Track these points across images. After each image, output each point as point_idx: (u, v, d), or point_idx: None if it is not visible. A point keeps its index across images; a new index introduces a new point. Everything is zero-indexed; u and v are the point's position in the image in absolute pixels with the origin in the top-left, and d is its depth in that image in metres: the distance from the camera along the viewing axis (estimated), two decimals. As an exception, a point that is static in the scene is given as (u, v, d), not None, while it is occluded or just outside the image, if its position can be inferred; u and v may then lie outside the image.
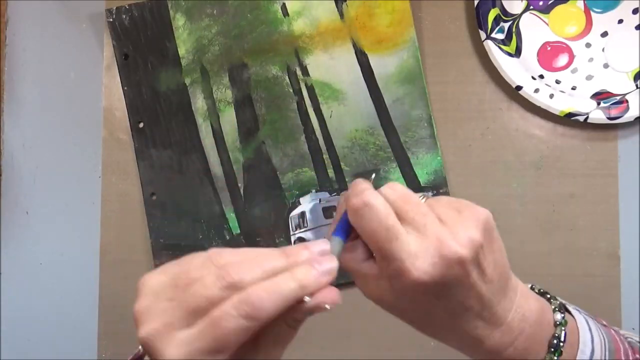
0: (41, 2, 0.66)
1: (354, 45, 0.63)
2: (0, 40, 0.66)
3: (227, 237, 0.62)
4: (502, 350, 0.36)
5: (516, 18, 0.63)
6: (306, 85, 0.63)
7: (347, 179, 0.63)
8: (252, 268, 0.32)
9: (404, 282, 0.33)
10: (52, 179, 0.65)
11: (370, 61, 0.63)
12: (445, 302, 0.35)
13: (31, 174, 0.65)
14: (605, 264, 0.61)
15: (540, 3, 0.63)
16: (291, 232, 0.63)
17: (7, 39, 0.66)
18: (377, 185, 0.36)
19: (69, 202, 0.65)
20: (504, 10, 0.62)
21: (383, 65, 0.62)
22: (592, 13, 0.62)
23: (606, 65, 0.62)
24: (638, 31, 0.62)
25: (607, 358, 0.37)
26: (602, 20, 0.62)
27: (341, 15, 0.63)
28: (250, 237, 0.62)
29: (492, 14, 0.62)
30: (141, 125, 0.63)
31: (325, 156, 0.63)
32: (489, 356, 0.36)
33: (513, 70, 0.61)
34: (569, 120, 0.62)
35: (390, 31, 0.62)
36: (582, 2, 0.63)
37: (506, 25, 0.62)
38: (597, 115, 0.61)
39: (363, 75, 0.63)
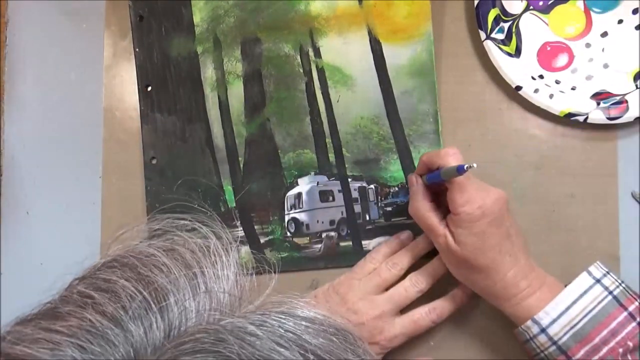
0: (41, 2, 0.66)
1: (369, 33, 0.63)
2: (0, 40, 0.66)
3: (222, 209, 0.62)
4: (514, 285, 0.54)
5: (516, 18, 0.63)
6: (317, 67, 0.63)
7: (347, 165, 0.63)
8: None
9: (475, 218, 0.51)
10: (52, 179, 0.65)
11: (384, 50, 0.63)
12: (496, 229, 0.52)
13: (31, 174, 0.65)
14: (605, 264, 0.61)
15: (540, 3, 0.63)
16: (285, 212, 0.63)
17: (7, 39, 0.66)
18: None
19: (69, 202, 0.65)
20: (503, 11, 0.62)
21: (396, 55, 0.62)
22: (592, 13, 0.62)
23: (606, 66, 0.62)
24: (638, 31, 0.62)
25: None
26: (602, 20, 0.62)
27: (360, 0, 0.63)
28: (245, 212, 0.63)
29: (492, 14, 0.62)
30: (149, 88, 0.63)
31: (328, 140, 0.63)
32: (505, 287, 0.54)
33: (513, 70, 0.61)
34: (568, 120, 0.62)
35: (407, 22, 0.62)
36: (582, 2, 0.63)
37: (506, 26, 0.62)
38: (597, 116, 0.61)
39: (375, 64, 0.63)
